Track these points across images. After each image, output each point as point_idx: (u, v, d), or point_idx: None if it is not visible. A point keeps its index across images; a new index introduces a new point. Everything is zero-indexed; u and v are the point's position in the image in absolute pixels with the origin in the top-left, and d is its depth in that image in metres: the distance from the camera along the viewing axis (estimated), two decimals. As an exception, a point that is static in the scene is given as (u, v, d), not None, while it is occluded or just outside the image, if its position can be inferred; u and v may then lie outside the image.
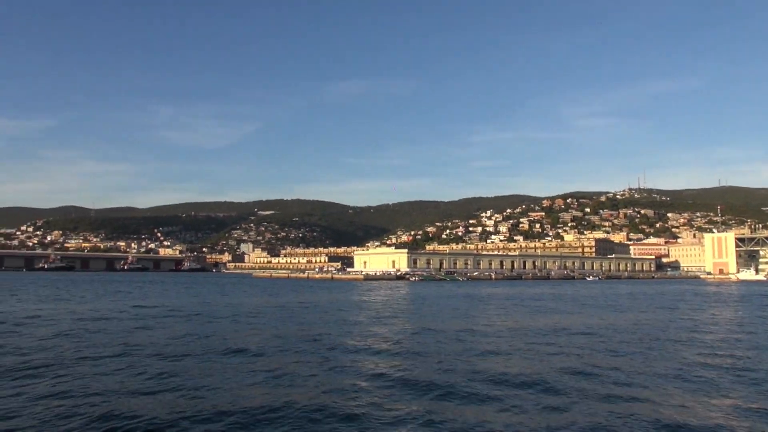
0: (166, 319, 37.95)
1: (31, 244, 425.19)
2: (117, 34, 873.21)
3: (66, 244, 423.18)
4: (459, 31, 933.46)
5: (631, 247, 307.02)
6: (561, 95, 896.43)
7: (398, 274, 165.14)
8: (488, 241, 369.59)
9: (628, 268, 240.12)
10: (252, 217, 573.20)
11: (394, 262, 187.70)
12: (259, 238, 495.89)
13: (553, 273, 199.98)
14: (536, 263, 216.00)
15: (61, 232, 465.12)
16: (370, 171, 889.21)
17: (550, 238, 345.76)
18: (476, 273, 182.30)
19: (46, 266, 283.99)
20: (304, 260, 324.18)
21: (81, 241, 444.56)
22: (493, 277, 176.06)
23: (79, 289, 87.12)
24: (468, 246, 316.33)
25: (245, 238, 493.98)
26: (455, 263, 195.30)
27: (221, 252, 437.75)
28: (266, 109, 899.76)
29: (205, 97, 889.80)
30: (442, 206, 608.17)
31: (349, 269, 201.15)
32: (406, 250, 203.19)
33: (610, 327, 35.22)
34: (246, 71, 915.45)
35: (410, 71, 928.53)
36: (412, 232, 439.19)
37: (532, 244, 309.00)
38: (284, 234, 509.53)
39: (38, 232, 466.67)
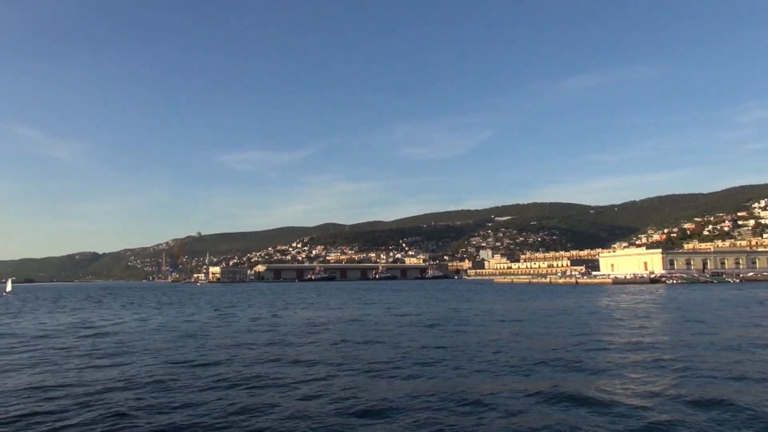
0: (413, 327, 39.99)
1: (300, 258, 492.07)
2: (353, 62, 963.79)
3: (328, 257, 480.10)
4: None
5: None
6: None
7: (652, 276, 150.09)
8: (764, 236, 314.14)
9: None
10: (489, 224, 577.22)
11: (646, 263, 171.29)
12: (498, 244, 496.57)
13: None
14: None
15: (323, 246, 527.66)
16: (613, 167, 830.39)
17: None
18: (751, 273, 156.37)
19: (313, 277, 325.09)
20: (544, 265, 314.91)
21: (339, 254, 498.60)
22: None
23: (353, 296, 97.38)
24: (738, 243, 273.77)
25: (483, 244, 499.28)
26: (722, 263, 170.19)
27: (461, 259, 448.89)
28: (498, 116, 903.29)
29: (438, 112, 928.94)
30: (700, 199, 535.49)
31: (594, 273, 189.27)
32: (659, 250, 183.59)
33: None
34: (474, 81, 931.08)
35: (651, 57, 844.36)
36: (665, 230, 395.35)
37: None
38: (522, 239, 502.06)
39: (305, 248, 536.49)
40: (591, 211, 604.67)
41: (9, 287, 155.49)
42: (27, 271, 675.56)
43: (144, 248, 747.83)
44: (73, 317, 55.51)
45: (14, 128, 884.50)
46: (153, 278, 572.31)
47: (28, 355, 27.54)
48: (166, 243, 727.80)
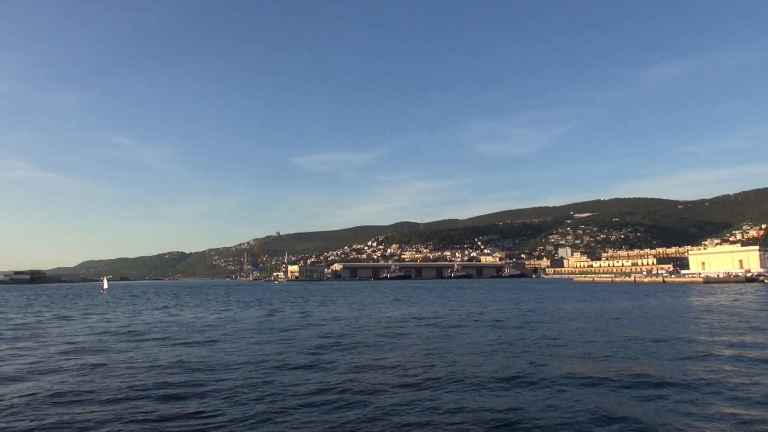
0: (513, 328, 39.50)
1: (375, 256, 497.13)
2: (426, 60, 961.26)
3: (402, 256, 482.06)
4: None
5: None
6: None
7: (748, 275, 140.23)
8: None
9: None
10: (568, 221, 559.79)
11: (741, 261, 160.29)
12: (577, 241, 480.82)
13: None
14: None
15: (398, 245, 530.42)
16: (703, 160, 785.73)
17: None
18: None
19: (388, 275, 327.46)
20: (628, 263, 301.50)
21: (414, 252, 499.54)
22: None
23: (433, 294, 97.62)
24: None
25: (562, 242, 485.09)
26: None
27: (539, 257, 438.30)
28: (579, 109, 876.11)
29: (514, 108, 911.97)
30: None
31: (683, 271, 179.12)
32: (756, 247, 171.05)
33: None
34: (553, 74, 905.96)
35: (745, 41, 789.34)
36: (763, 226, 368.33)
37: None
38: (604, 236, 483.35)
39: (381, 246, 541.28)
40: (679, 206, 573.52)
41: (105, 285, 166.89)
42: (122, 269, 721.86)
43: (227, 248, 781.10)
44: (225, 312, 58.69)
45: (110, 136, 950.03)
46: (235, 276, 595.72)
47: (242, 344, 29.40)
48: (248, 243, 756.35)
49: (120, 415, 15.26)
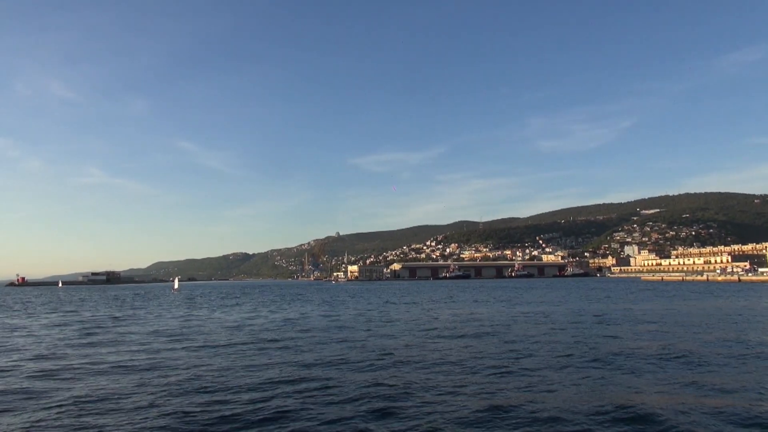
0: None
1: (434, 256, 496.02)
2: (482, 58, 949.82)
3: (462, 255, 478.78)
4: None
5: None
6: None
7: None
8: None
9: None
10: (634, 218, 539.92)
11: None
12: (645, 239, 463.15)
13: None
14: None
15: (456, 244, 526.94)
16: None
17: None
18: None
19: (447, 275, 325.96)
20: (700, 261, 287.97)
21: (473, 251, 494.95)
22: None
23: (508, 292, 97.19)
24: None
25: (628, 240, 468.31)
26: None
27: (603, 256, 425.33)
28: (644, 101, 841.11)
29: (575, 102, 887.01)
30: None
31: (761, 269, 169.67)
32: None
33: None
34: (614, 66, 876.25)
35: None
36: None
37: None
38: (673, 233, 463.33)
39: (439, 246, 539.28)
40: (756, 201, 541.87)
41: (176, 285, 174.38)
42: (190, 270, 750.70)
43: (288, 248, 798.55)
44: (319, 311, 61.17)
45: (176, 142, 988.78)
46: (297, 277, 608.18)
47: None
48: (308, 243, 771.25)
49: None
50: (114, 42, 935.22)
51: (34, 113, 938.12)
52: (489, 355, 24.77)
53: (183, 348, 29.38)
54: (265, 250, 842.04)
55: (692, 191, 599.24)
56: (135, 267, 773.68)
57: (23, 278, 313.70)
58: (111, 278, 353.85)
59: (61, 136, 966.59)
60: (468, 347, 27.59)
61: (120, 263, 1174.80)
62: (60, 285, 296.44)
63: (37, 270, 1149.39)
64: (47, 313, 63.28)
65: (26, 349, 29.49)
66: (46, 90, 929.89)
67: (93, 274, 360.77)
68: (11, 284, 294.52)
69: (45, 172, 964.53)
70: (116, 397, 17.55)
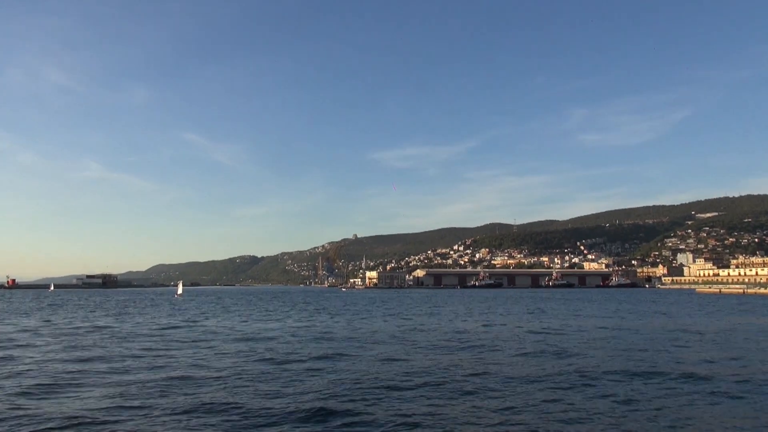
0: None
1: (462, 262, 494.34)
2: (518, 43, 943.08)
3: (493, 261, 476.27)
4: None
5: None
6: None
7: None
8: None
9: None
10: (689, 222, 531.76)
11: None
12: (700, 246, 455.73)
13: None
14: None
15: (487, 249, 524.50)
16: None
17: None
18: None
19: (477, 283, 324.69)
20: (764, 272, 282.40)
21: (506, 257, 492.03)
22: None
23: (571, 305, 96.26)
24: None
25: (682, 246, 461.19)
26: None
27: (653, 264, 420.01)
28: (699, 91, 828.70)
29: (621, 91, 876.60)
30: None
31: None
32: None
33: None
34: (666, 52, 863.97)
35: None
36: None
37: None
38: (733, 240, 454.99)
39: (468, 251, 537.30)
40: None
41: (180, 290, 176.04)
42: (193, 274, 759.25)
43: (301, 252, 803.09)
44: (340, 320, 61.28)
45: (180, 134, 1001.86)
46: (309, 282, 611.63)
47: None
48: (323, 246, 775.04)
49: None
50: (114, 27, 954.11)
51: (28, 102, 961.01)
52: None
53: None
54: (275, 254, 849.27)
55: (755, 192, 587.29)
56: (134, 270, 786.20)
57: (13, 280, 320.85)
58: (107, 282, 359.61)
59: (57, 126, 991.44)
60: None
61: (118, 265, 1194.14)
62: (52, 288, 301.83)
63: (29, 272, 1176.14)
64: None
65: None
66: (41, 77, 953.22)
67: (88, 276, 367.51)
68: (0, 287, 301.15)
69: (39, 166, 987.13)
70: None
